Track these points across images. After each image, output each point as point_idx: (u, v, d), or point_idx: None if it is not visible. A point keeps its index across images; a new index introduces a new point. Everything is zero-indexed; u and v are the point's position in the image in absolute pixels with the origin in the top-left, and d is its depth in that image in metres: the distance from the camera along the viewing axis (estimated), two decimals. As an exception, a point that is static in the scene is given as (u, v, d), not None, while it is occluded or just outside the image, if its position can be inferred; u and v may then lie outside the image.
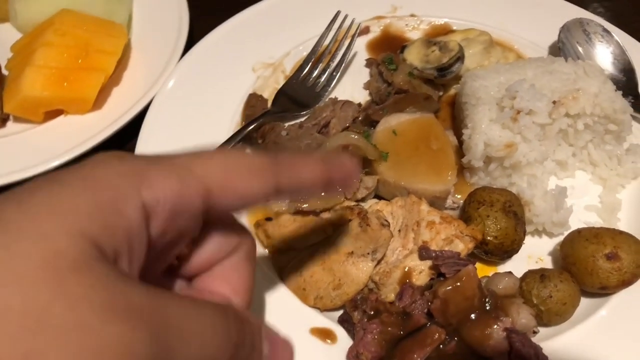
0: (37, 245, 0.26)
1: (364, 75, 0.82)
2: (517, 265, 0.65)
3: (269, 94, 0.78)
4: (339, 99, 0.75)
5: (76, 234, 0.27)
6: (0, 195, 0.29)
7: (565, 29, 0.79)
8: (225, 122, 0.75)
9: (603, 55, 0.78)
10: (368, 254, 0.60)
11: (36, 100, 0.72)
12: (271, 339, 0.37)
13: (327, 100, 0.76)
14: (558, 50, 0.79)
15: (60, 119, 0.76)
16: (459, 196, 0.69)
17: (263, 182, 0.35)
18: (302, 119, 0.75)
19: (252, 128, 0.71)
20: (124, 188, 0.30)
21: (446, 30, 0.85)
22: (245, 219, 0.65)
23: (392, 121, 0.70)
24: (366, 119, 0.73)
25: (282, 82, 0.80)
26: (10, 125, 0.77)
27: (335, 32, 0.82)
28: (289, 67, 0.81)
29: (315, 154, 0.41)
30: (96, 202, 0.28)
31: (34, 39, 0.76)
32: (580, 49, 0.78)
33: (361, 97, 0.79)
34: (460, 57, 0.76)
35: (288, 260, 0.63)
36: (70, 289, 0.25)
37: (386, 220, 0.61)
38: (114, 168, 0.31)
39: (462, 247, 0.60)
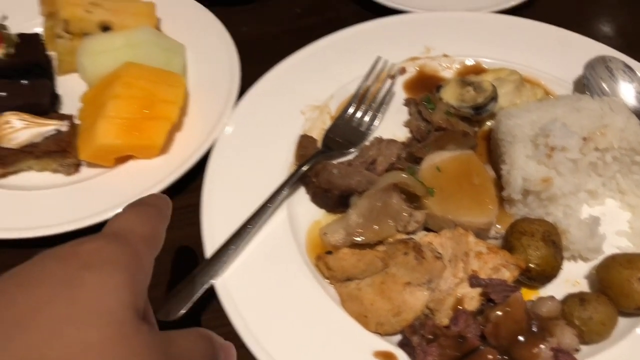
0: (101, 319, 0.38)
1: (403, 113, 0.88)
2: (557, 288, 0.71)
3: (317, 134, 0.85)
4: (383, 138, 0.82)
5: (126, 306, 0.39)
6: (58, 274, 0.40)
7: (589, 66, 0.86)
8: (280, 161, 0.81)
9: (626, 91, 0.84)
10: (424, 283, 0.66)
11: (109, 148, 0.80)
12: (223, 346, 0.48)
13: (372, 138, 0.83)
14: (583, 86, 0.86)
15: (130, 163, 0.83)
16: (499, 226, 0.75)
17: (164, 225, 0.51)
18: (350, 157, 0.83)
19: (307, 168, 0.79)
20: (134, 267, 0.42)
21: (477, 69, 0.92)
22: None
23: (436, 159, 0.77)
24: (410, 156, 0.80)
25: (328, 123, 0.87)
26: (83, 170, 0.84)
27: (375, 74, 0.90)
28: (334, 108, 0.88)
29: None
30: (127, 281, 0.40)
31: (103, 91, 0.84)
32: (604, 85, 0.85)
33: (402, 134, 0.86)
34: (494, 97, 0.82)
35: (349, 290, 0.69)
36: (134, 348, 0.39)
37: (439, 253, 0.67)
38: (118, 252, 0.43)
39: (508, 274, 0.67)
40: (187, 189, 0.83)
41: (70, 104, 0.90)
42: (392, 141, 0.81)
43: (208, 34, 0.98)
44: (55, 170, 0.83)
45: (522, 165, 0.74)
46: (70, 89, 0.92)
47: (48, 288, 0.39)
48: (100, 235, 0.44)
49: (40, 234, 0.75)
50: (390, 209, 0.72)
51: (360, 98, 0.88)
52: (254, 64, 0.94)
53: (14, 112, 0.80)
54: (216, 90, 0.90)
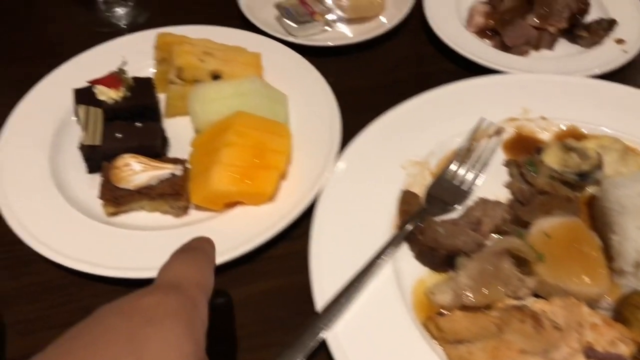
0: None
1: (502, 173, 0.89)
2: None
3: (418, 189, 0.87)
4: (488, 199, 0.83)
5: (188, 355, 0.42)
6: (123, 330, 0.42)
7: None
8: (383, 215, 0.83)
9: None
10: (540, 352, 0.66)
11: (222, 194, 0.83)
12: None
13: (474, 198, 0.85)
14: (688, 156, 0.86)
15: (238, 209, 0.85)
16: (608, 297, 0.75)
17: (212, 267, 0.53)
18: (453, 216, 0.84)
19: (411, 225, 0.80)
20: (192, 315, 0.44)
21: (576, 134, 0.93)
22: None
23: (544, 224, 0.77)
24: (515, 218, 0.81)
25: (429, 179, 0.88)
26: (192, 212, 0.87)
27: (476, 133, 0.91)
28: (434, 164, 0.90)
29: None
30: (187, 331, 0.42)
31: (215, 138, 0.88)
32: None
33: (502, 194, 0.87)
34: (599, 165, 0.83)
35: (459, 352, 0.70)
36: None
37: (557, 322, 0.68)
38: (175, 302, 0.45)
39: (624, 349, 0.67)
40: (288, 236, 0.85)
41: (176, 146, 0.94)
42: (497, 203, 0.82)
43: (308, 83, 1.01)
44: (165, 212, 0.87)
45: (635, 237, 0.74)
46: (176, 132, 0.96)
47: (114, 346, 0.40)
48: (156, 288, 0.46)
49: (151, 276, 0.78)
50: (501, 274, 0.73)
51: (462, 156, 0.89)
52: (351, 115, 0.97)
53: (133, 155, 0.84)
54: (318, 140, 0.93)
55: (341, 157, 0.89)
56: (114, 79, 0.91)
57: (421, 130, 0.93)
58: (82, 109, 0.87)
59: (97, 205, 0.86)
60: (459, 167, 0.89)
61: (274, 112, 0.93)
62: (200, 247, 0.55)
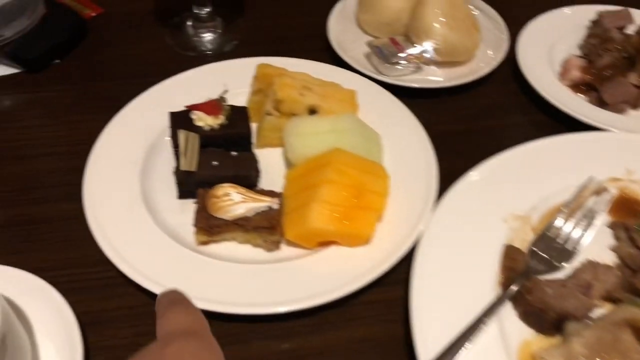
0: None
1: (606, 235, 0.86)
2: None
3: (519, 244, 0.83)
4: (597, 262, 0.79)
5: None
6: None
7: None
8: (486, 270, 0.80)
9: None
10: None
11: (319, 232, 0.80)
12: None
13: (583, 260, 0.81)
14: None
15: (332, 249, 0.83)
16: None
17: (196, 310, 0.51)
18: (558, 275, 0.80)
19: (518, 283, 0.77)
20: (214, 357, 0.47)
21: (685, 199, 0.89)
22: None
23: (662, 295, 0.73)
24: (629, 286, 0.77)
25: (531, 235, 0.85)
26: (284, 248, 0.85)
27: (582, 191, 0.88)
28: (537, 220, 0.87)
29: None
30: None
31: (312, 173, 0.86)
32: None
33: (607, 257, 0.83)
34: None
35: None
36: None
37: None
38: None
39: None
40: (381, 282, 0.82)
41: (267, 178, 0.92)
42: (608, 267, 0.78)
43: (401, 124, 0.99)
44: (257, 245, 0.84)
45: None
46: (267, 163, 0.94)
47: None
48: (171, 336, 0.47)
49: (242, 312, 0.76)
50: (620, 346, 0.69)
51: (567, 214, 0.86)
52: (442, 159, 0.94)
53: (232, 185, 0.82)
54: (413, 183, 0.90)
55: (440, 203, 0.87)
56: (214, 106, 0.90)
57: (523, 183, 0.90)
58: (182, 134, 0.86)
59: (187, 232, 0.85)
60: (564, 225, 0.85)
61: (369, 151, 0.91)
62: (181, 298, 0.54)
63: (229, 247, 0.85)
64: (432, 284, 0.78)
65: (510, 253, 0.82)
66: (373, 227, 0.82)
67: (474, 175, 0.90)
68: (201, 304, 0.75)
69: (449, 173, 0.93)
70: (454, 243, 0.83)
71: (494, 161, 0.92)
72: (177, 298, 0.54)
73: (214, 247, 0.84)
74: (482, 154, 0.95)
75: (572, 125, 1.03)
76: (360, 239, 0.82)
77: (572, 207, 0.87)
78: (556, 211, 0.87)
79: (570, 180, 0.90)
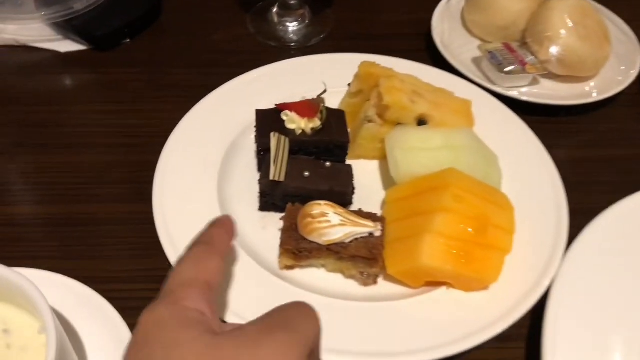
0: None
1: None
2: None
3: (672, 308, 0.68)
4: None
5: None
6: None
7: None
8: (635, 330, 0.65)
9: None
10: None
11: (430, 271, 0.66)
12: None
13: None
14: None
15: (441, 290, 0.69)
16: None
17: (216, 260, 0.48)
18: None
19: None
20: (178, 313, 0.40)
21: None
22: None
23: None
24: None
25: (687, 296, 0.69)
26: (381, 283, 0.71)
27: None
28: (690, 278, 0.71)
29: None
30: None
31: (423, 197, 0.71)
32: None
33: None
34: None
35: None
36: None
37: None
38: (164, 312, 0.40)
39: None
40: (498, 337, 0.67)
41: (361, 196, 0.78)
42: None
43: (521, 145, 0.84)
44: (350, 277, 0.71)
45: None
46: (360, 178, 0.80)
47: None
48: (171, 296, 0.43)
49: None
50: None
51: None
52: (570, 190, 0.79)
53: (329, 204, 0.68)
54: (539, 218, 0.75)
55: (575, 243, 0.71)
56: (310, 107, 0.77)
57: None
58: (275, 137, 0.73)
59: (269, 252, 0.72)
60: None
61: (488, 176, 0.77)
62: (206, 239, 0.51)
63: (317, 275, 0.71)
64: (566, 348, 0.63)
65: (665, 318, 0.66)
66: (499, 271, 0.67)
67: (613, 213, 0.75)
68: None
69: (576, 210, 0.78)
70: (591, 298, 0.67)
71: (630, 201, 0.77)
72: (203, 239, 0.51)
73: (298, 273, 0.71)
74: (614, 189, 0.80)
75: None
76: (480, 284, 0.68)
77: None
78: None
79: None
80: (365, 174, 0.82)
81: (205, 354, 0.36)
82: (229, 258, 0.70)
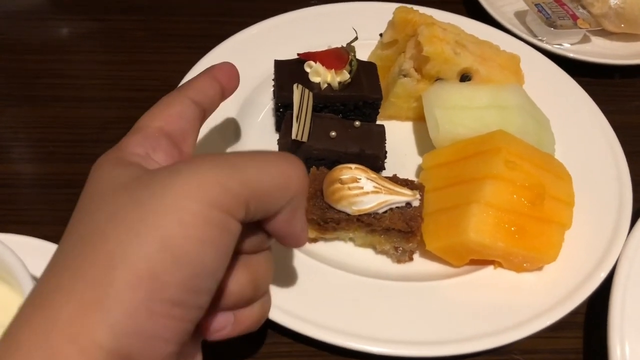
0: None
1: None
2: None
3: None
4: None
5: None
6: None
7: None
8: None
9: None
10: None
11: (477, 248, 0.57)
12: None
13: None
14: None
15: (488, 270, 0.60)
16: None
17: (182, 104, 0.45)
18: None
19: None
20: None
21: None
22: None
23: None
24: None
25: None
26: (417, 260, 0.62)
27: None
28: None
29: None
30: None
31: (468, 163, 0.62)
32: None
33: None
34: None
35: None
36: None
37: None
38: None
39: None
40: (551, 325, 0.58)
41: (393, 161, 0.69)
42: None
43: (575, 108, 0.74)
44: (382, 252, 0.61)
45: None
46: (390, 141, 0.70)
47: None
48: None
49: (350, 346, 0.53)
50: None
51: None
52: (631, 158, 0.70)
53: (362, 168, 0.59)
54: (600, 189, 0.66)
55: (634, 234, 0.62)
56: (338, 57, 0.66)
57: None
58: (297, 90, 0.63)
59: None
60: None
61: (540, 140, 0.67)
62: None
63: (344, 250, 0.62)
64: (636, 340, 0.54)
65: None
66: (558, 249, 0.58)
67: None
68: (300, 325, 0.54)
69: (637, 180, 0.68)
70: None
71: None
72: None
73: (322, 247, 0.62)
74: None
75: None
76: (535, 263, 0.58)
77: None
78: None
79: None
80: (398, 136, 0.73)
81: (126, 185, 0.35)
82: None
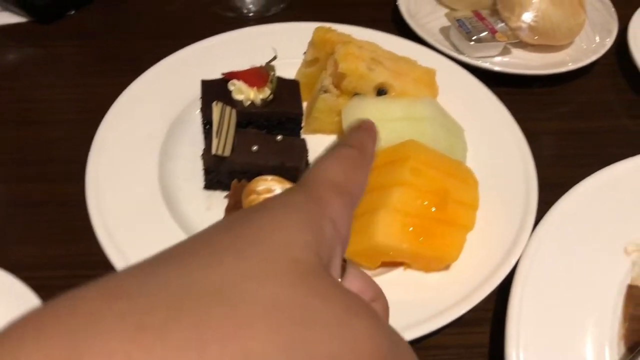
0: (278, 253, 0.26)
1: None
2: None
3: (646, 285, 0.63)
4: None
5: (304, 245, 0.27)
6: (224, 221, 0.29)
7: None
8: (604, 317, 0.60)
9: None
10: None
11: (385, 250, 0.61)
12: None
13: None
14: None
15: (399, 272, 0.64)
16: None
17: (366, 174, 0.37)
18: None
19: (654, 342, 0.57)
20: (315, 209, 0.30)
21: None
22: None
23: None
24: None
25: (663, 274, 0.65)
26: (335, 265, 0.66)
27: None
28: (668, 252, 0.67)
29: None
30: (305, 220, 0.29)
31: (380, 172, 0.65)
32: None
33: None
34: None
35: None
36: (319, 290, 0.25)
37: None
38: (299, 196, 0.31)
39: None
40: (459, 322, 0.62)
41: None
42: None
43: (489, 117, 0.79)
44: (301, 259, 0.65)
45: None
46: (315, 153, 0.74)
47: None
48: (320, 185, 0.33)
49: None
50: None
51: None
52: (540, 165, 0.74)
53: (277, 179, 0.63)
54: (507, 194, 0.70)
55: (540, 224, 0.66)
56: (259, 75, 0.71)
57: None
58: (217, 107, 0.67)
59: (214, 234, 0.66)
60: None
61: (452, 149, 0.71)
62: (357, 144, 0.38)
63: (266, 258, 0.66)
64: (532, 333, 0.58)
65: (636, 297, 0.61)
66: (460, 249, 0.62)
67: (583, 189, 0.70)
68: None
69: (547, 184, 0.73)
70: (560, 279, 0.62)
71: (610, 172, 0.72)
72: (350, 144, 0.37)
73: (246, 256, 0.66)
74: (587, 163, 0.75)
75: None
76: (440, 263, 0.62)
77: None
78: (694, 245, 0.67)
79: None
80: (322, 149, 0.76)
81: (293, 283, 0.26)
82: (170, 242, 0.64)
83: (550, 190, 0.71)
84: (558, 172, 0.77)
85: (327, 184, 0.33)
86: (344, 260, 0.34)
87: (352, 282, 0.34)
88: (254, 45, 0.84)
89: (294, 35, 0.84)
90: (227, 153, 0.67)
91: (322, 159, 0.36)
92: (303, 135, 0.77)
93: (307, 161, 0.71)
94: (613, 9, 0.99)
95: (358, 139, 0.40)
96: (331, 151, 0.37)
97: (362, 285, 0.34)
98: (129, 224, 0.65)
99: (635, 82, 0.91)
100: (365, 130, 0.41)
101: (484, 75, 0.86)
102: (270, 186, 0.62)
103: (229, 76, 0.72)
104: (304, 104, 0.78)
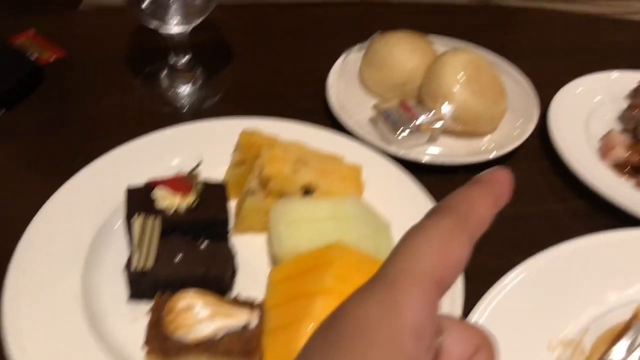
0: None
1: (681, 370, 0.67)
2: None
3: (572, 382, 0.64)
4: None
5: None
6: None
7: None
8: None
9: None
10: None
11: (310, 363, 0.60)
12: None
13: (660, 412, 0.62)
14: None
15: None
16: None
17: (465, 247, 0.30)
18: None
19: None
20: (392, 323, 0.28)
21: None
22: None
23: None
24: None
25: (586, 367, 0.66)
26: (263, 377, 0.64)
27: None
28: (589, 346, 0.67)
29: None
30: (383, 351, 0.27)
31: (305, 277, 0.66)
32: None
33: (687, 404, 0.64)
34: None
35: None
36: None
37: None
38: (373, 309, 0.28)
39: None
40: None
41: (245, 276, 0.72)
42: None
43: (414, 211, 0.80)
44: (229, 372, 0.64)
45: None
46: (246, 255, 0.74)
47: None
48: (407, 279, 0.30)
49: None
50: None
51: (631, 340, 0.67)
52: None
53: (198, 294, 0.62)
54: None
55: (473, 313, 0.67)
56: (183, 182, 0.71)
57: (571, 295, 0.71)
58: (138, 221, 0.66)
59: (137, 349, 0.64)
60: (627, 355, 0.66)
61: (378, 247, 0.72)
62: (458, 208, 0.32)
63: (190, 374, 0.64)
64: None
65: (563, 398, 0.62)
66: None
67: (507, 284, 0.71)
68: None
69: (475, 274, 0.73)
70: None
71: (531, 264, 0.73)
72: (462, 210, 0.31)
73: (169, 373, 0.64)
74: (513, 251, 0.77)
75: (618, 215, 0.86)
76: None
77: (638, 330, 0.68)
78: (616, 335, 0.68)
79: (632, 291, 0.72)
80: (252, 250, 0.76)
81: None
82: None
83: (480, 280, 0.72)
84: (487, 261, 0.78)
85: (406, 273, 0.28)
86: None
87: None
88: (185, 145, 0.84)
89: (227, 132, 0.84)
90: (148, 266, 0.65)
91: (413, 231, 0.30)
92: (234, 235, 0.77)
93: (233, 268, 0.70)
94: (534, 94, 1.03)
95: (465, 198, 0.32)
96: (426, 220, 0.31)
97: (461, 347, 0.30)
98: (46, 341, 0.62)
99: (560, 165, 0.94)
100: (484, 183, 0.33)
101: (412, 165, 0.88)
102: (191, 302, 0.61)
103: (152, 184, 0.71)
104: (235, 202, 0.78)
